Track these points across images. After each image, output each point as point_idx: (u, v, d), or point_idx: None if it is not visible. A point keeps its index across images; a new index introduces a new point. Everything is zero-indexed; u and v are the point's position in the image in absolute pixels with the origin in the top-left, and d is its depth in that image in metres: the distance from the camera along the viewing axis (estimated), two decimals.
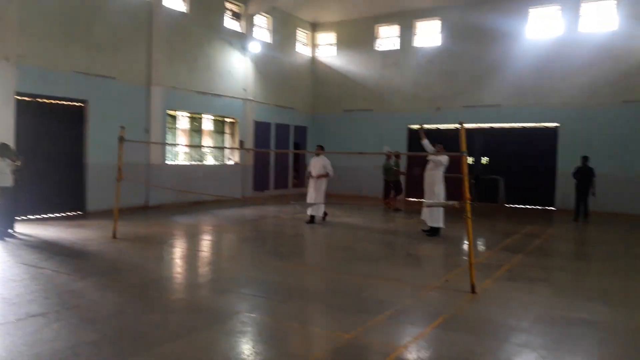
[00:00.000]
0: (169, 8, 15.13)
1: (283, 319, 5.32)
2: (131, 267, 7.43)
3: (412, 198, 17.55)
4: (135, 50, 14.13)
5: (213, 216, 13.57)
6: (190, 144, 16.50)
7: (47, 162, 12.07)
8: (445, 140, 11.08)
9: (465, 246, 10.06)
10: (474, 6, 18.51)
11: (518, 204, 17.86)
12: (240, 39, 17.98)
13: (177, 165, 15.90)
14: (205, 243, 10.11)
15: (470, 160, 17.28)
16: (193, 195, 15.26)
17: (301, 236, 11.16)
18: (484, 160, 18.61)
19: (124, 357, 4.19)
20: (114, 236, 9.48)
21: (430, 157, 10.43)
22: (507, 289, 6.65)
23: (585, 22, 16.88)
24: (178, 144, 16.02)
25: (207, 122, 17.23)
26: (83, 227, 10.84)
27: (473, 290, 6.32)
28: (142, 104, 14.38)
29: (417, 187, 14.28)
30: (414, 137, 18.73)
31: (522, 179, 17.81)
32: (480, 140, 18.23)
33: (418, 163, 15.85)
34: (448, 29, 19.17)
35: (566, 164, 16.64)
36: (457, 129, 6.72)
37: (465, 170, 6.58)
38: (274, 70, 19.89)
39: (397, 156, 16.24)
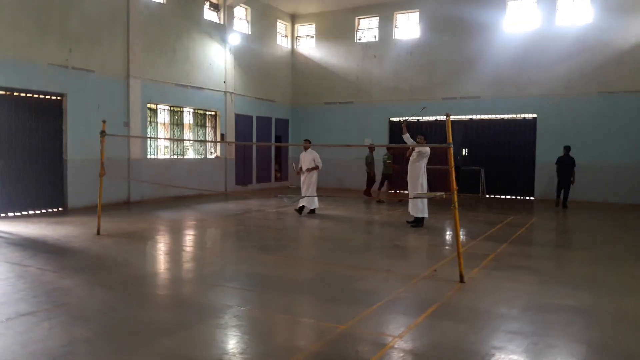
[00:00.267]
0: None
1: (276, 311, 5.33)
2: (118, 264, 7.34)
3: (393, 190, 17.65)
4: (112, 42, 13.87)
5: (196, 211, 13.47)
6: (172, 138, 16.30)
7: (26, 158, 11.81)
8: (425, 132, 11.24)
9: (450, 236, 10.22)
10: None
11: (498, 195, 18.16)
12: (219, 31, 17.79)
13: (158, 159, 15.70)
14: (191, 238, 10.03)
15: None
16: (175, 189, 15.11)
17: (287, 229, 11.16)
18: (464, 151, 18.84)
19: (121, 354, 4.14)
20: (98, 232, 9.33)
21: (418, 148, 10.52)
22: (495, 278, 6.77)
23: (561, 15, 17.20)
24: (160, 138, 15.81)
25: (188, 115, 17.04)
26: (65, 223, 10.64)
27: (462, 280, 6.42)
28: (121, 97, 14.14)
29: (398, 179, 14.45)
30: (395, 129, 18.87)
31: (502, 170, 18.11)
32: (460, 132, 18.43)
33: (397, 156, 15.99)
34: (427, 21, 19.29)
35: (545, 154, 17.03)
36: (436, 121, 6.79)
37: (452, 161, 6.66)
38: (254, 63, 19.76)
39: (372, 150, 16.23)
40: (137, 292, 5.96)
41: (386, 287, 6.28)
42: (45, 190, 12.28)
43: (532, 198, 17.61)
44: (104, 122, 9.43)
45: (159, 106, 15.81)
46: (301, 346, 4.42)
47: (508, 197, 18.02)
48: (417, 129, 12.62)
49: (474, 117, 18.52)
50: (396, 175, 15.57)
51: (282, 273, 7.06)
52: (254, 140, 19.65)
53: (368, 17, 20.63)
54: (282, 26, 21.65)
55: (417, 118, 18.42)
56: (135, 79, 14.38)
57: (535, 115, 17.57)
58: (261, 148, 20.03)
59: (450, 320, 5.05)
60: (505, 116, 18.16)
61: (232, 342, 4.49)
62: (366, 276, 6.83)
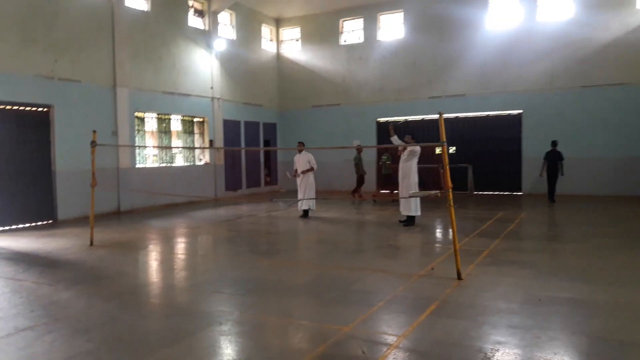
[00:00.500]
0: (130, 7, 14.78)
1: (277, 316, 5.32)
2: (114, 274, 7.27)
3: (382, 190, 17.71)
4: (98, 51, 13.76)
5: (188, 218, 13.40)
6: (161, 146, 16.20)
7: (13, 171, 11.64)
8: (412, 132, 11.36)
9: (442, 234, 10.30)
10: None
11: (487, 191, 18.32)
12: (204, 37, 17.74)
13: (147, 168, 15.59)
14: (185, 245, 9.97)
15: (438, 150, 17.58)
16: (165, 198, 15.01)
17: (281, 233, 11.15)
18: (452, 149, 18.97)
19: None
20: (91, 243, 9.25)
21: (409, 148, 10.58)
22: (491, 273, 6.84)
23: (542, 12, 17.43)
24: (149, 146, 15.70)
25: (176, 123, 16.96)
26: (56, 236, 10.52)
27: (459, 277, 6.48)
28: (108, 106, 14.03)
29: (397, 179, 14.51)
30: (383, 130, 18.95)
31: (489, 166, 18.28)
32: (447, 130, 18.49)
33: (393, 156, 16.03)
34: (411, 21, 19.41)
35: (531, 149, 17.24)
36: (423, 120, 6.88)
37: (446, 159, 6.74)
38: (241, 68, 19.73)
39: (360, 151, 16.30)
40: (137, 302, 5.92)
41: (385, 287, 6.31)
42: (34, 202, 12.12)
43: (520, 193, 17.80)
44: (94, 132, 9.36)
45: (146, 114, 15.71)
46: (306, 349, 4.42)
47: (496, 193, 18.18)
48: (405, 128, 12.84)
49: (460, 115, 18.67)
50: (395, 175, 15.63)
51: (280, 277, 7.05)
52: (243, 145, 19.62)
53: (352, 19, 20.71)
54: (267, 30, 21.65)
55: (405, 118, 18.55)
56: (122, 88, 14.28)
57: (520, 111, 17.76)
58: (250, 153, 20.00)
59: (451, 318, 5.09)
60: (491, 113, 18.33)
61: (237, 349, 4.48)
62: (364, 277, 6.86)
